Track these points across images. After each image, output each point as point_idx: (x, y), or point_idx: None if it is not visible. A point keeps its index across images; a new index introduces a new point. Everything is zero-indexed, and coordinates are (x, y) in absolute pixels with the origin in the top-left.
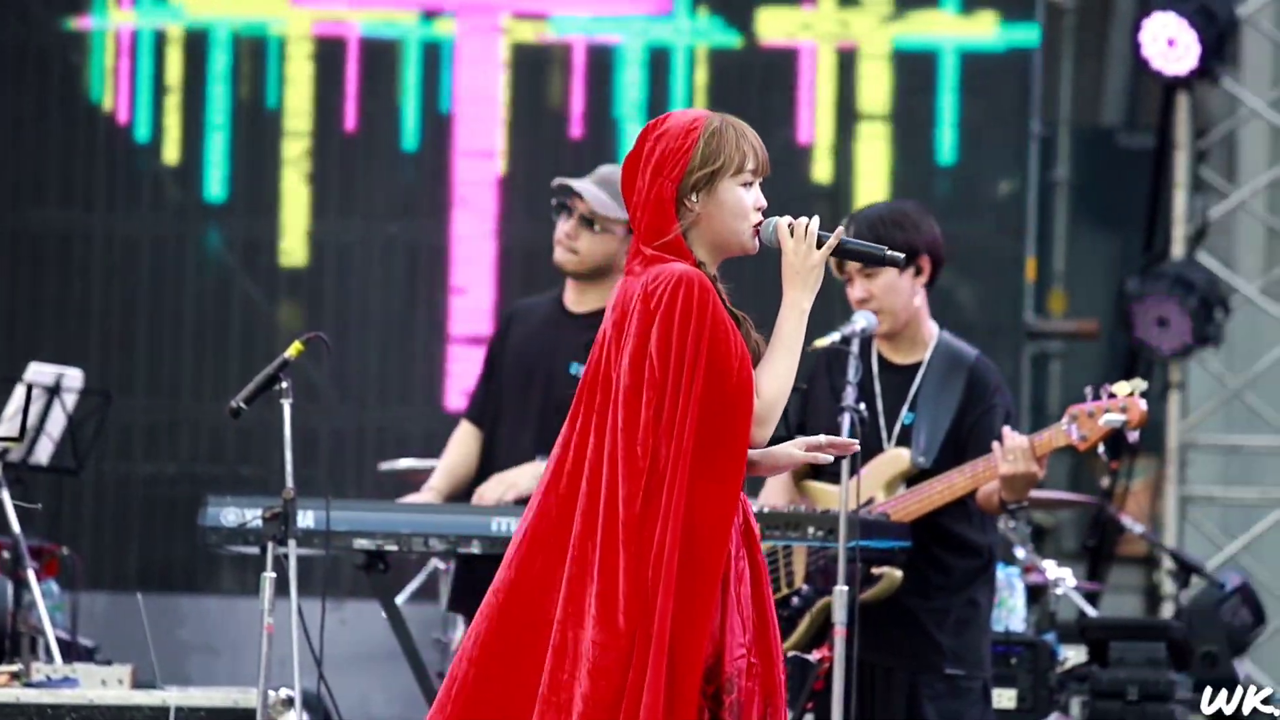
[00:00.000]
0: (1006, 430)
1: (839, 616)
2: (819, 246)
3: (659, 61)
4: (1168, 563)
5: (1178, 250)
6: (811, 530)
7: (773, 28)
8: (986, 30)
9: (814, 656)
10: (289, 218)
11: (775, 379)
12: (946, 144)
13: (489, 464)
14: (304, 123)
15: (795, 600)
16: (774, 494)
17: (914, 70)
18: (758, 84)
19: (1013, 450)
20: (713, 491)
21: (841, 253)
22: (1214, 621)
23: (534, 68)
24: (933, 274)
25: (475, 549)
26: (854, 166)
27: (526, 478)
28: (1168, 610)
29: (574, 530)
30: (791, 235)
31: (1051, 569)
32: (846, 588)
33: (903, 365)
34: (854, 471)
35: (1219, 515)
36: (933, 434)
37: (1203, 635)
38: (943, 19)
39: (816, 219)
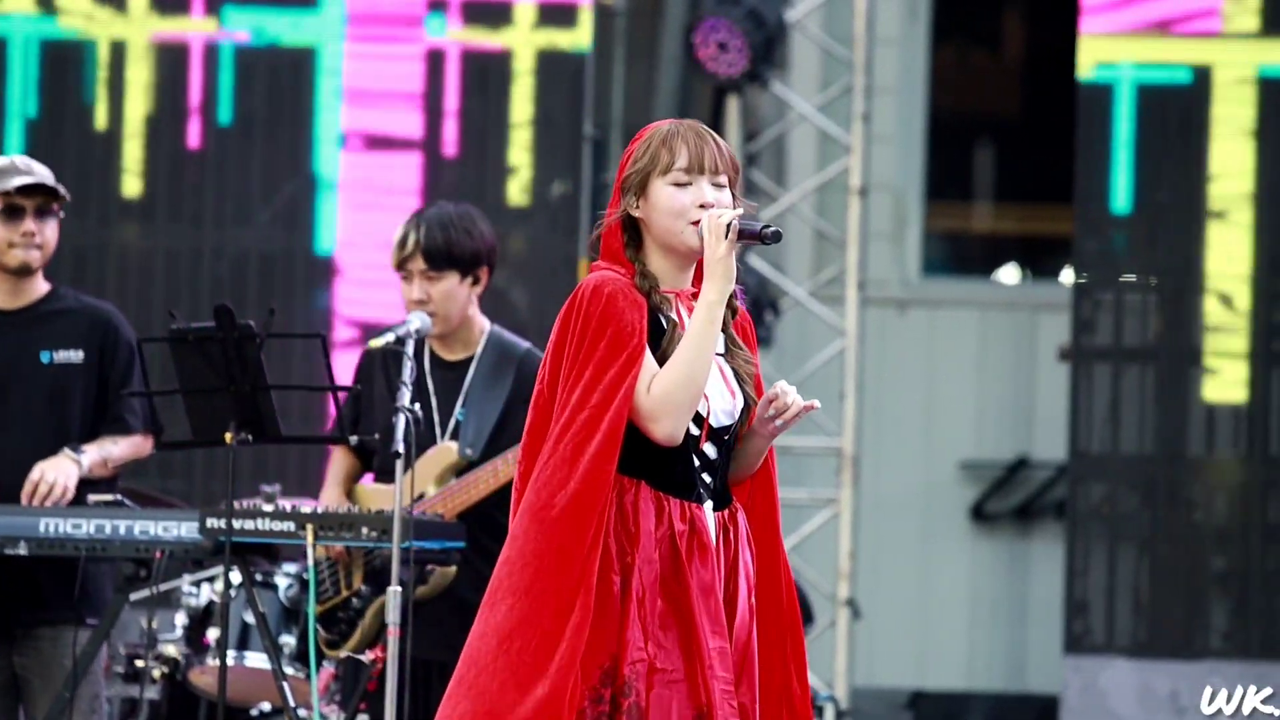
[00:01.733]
0: None
1: (391, 617)
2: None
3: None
4: None
5: None
6: (365, 531)
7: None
8: (540, 33)
9: (368, 657)
10: None
11: (669, 373)
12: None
13: None
14: None
15: (355, 602)
16: (332, 497)
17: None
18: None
19: None
20: (576, 491)
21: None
22: None
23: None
24: (488, 278)
25: (22, 550)
26: None
27: (65, 474)
28: None
29: None
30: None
31: None
32: (399, 588)
33: (454, 362)
34: (408, 469)
35: None
36: (480, 426)
37: None
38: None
39: (739, 211)
